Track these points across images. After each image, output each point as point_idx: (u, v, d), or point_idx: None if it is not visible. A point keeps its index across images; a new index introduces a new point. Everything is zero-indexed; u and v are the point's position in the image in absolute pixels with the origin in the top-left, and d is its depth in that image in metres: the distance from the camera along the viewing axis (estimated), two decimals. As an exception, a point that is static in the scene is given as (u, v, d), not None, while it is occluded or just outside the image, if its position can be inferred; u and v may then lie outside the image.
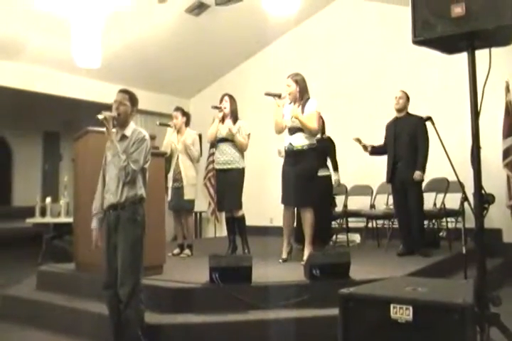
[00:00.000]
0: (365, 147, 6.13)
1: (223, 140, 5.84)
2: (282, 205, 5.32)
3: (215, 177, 9.59)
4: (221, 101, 5.94)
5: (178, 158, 6.02)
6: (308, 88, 5.30)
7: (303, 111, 5.15)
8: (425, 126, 5.68)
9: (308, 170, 5.22)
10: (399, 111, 5.96)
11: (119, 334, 3.58)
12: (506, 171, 6.82)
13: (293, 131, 5.21)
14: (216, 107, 5.93)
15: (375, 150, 6.18)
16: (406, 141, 5.81)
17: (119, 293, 3.45)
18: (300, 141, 5.19)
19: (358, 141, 6.13)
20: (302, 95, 5.25)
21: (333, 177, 6.50)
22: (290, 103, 5.32)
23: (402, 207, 5.89)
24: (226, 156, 5.80)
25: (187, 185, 5.97)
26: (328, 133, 6.73)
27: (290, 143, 5.23)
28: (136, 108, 3.74)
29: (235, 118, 5.86)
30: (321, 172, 6.22)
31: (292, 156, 5.22)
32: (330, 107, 7.96)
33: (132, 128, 3.66)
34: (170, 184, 6.06)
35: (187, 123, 6.27)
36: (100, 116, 3.51)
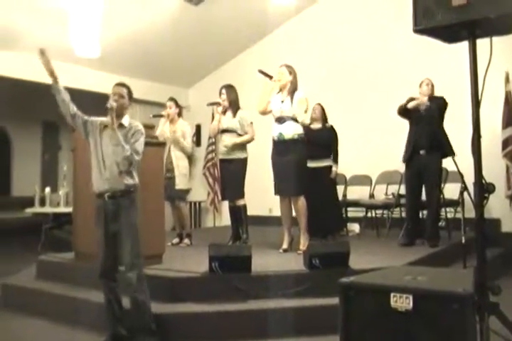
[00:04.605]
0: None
1: (225, 131, 5.85)
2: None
3: (214, 166, 9.78)
4: (220, 94, 5.91)
5: (169, 148, 6.02)
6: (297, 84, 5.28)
7: (292, 101, 5.15)
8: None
9: (300, 160, 5.21)
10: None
11: (118, 322, 3.65)
12: (505, 161, 6.83)
13: (283, 120, 5.19)
14: (212, 104, 5.97)
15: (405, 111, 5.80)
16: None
17: (128, 277, 3.50)
18: (291, 130, 5.16)
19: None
20: (293, 87, 5.22)
21: (333, 168, 6.45)
22: (278, 92, 5.31)
23: (414, 194, 5.78)
24: (227, 147, 5.80)
25: (179, 175, 5.98)
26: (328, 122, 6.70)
27: (280, 133, 5.19)
28: (131, 102, 3.84)
29: (236, 108, 5.82)
30: (327, 163, 6.23)
31: (282, 146, 5.19)
32: (330, 96, 7.94)
33: (128, 119, 3.73)
34: None
35: (179, 114, 6.26)
36: (110, 105, 3.55)
